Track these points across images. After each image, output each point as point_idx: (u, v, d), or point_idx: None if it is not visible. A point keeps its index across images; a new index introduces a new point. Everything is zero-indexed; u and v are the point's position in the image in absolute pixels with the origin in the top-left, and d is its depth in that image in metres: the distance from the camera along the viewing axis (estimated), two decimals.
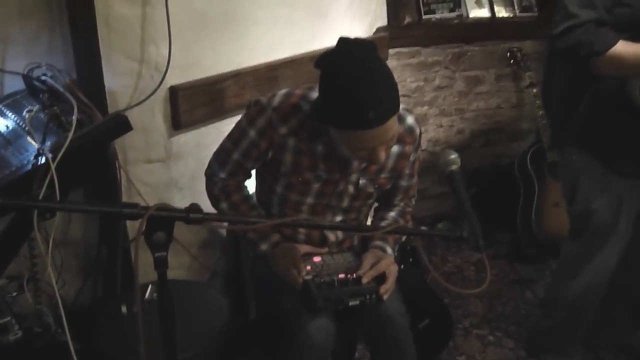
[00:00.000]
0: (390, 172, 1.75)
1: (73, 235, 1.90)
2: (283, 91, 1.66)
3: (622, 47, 1.68)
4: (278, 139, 1.62)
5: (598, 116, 1.87)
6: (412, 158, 1.77)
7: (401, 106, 1.54)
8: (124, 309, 1.68)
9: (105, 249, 1.91)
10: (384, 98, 1.40)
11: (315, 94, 1.58)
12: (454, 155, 1.37)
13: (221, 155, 1.73)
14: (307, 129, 1.61)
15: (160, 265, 1.04)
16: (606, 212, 1.96)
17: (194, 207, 1.04)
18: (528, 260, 3.10)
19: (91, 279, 1.95)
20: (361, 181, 1.71)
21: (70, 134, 1.45)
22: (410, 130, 1.72)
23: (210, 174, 1.77)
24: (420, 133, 1.76)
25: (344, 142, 1.51)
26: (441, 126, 3.34)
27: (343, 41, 1.47)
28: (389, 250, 1.75)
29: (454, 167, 1.36)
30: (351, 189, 1.72)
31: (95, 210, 1.02)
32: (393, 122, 1.45)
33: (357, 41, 1.49)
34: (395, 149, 1.68)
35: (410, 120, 1.72)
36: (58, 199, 1.38)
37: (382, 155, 1.50)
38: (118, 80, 1.78)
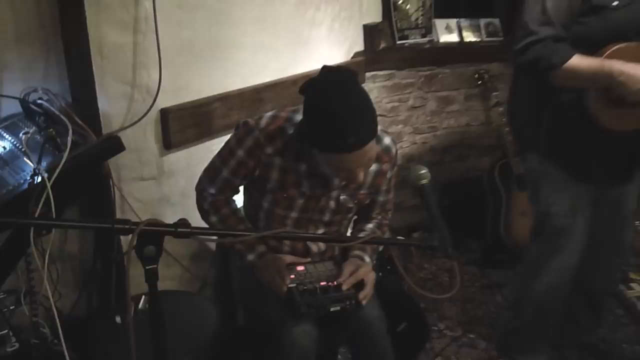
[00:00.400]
0: (369, 189, 1.75)
1: (69, 249, 1.87)
2: (270, 113, 1.66)
3: (577, 61, 1.71)
4: (265, 158, 1.62)
5: (558, 126, 1.89)
6: (389, 175, 1.78)
7: (379, 128, 1.55)
8: (118, 319, 1.66)
9: (100, 262, 1.89)
10: (362, 125, 1.42)
11: (299, 117, 1.58)
12: (424, 170, 1.38)
13: (211, 172, 1.73)
14: (291, 149, 1.61)
15: (151, 277, 1.03)
16: (563, 214, 1.98)
17: (182, 222, 1.03)
18: (497, 265, 3.10)
19: (87, 291, 1.92)
20: (342, 197, 1.72)
21: (65, 154, 1.43)
22: (387, 149, 1.73)
23: (200, 189, 1.77)
24: (396, 152, 1.77)
25: (326, 163, 1.52)
26: (415, 143, 3.36)
27: (326, 69, 1.49)
28: (367, 259, 1.75)
29: (425, 181, 1.37)
30: (332, 204, 1.72)
31: (88, 227, 1.01)
32: (371, 146, 1.47)
33: (339, 70, 1.50)
34: (373, 167, 1.69)
35: (387, 140, 1.73)
36: (54, 216, 1.36)
37: (361, 176, 1.51)
38: (111, 103, 1.77)
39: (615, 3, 1.69)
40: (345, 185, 1.69)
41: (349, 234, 1.94)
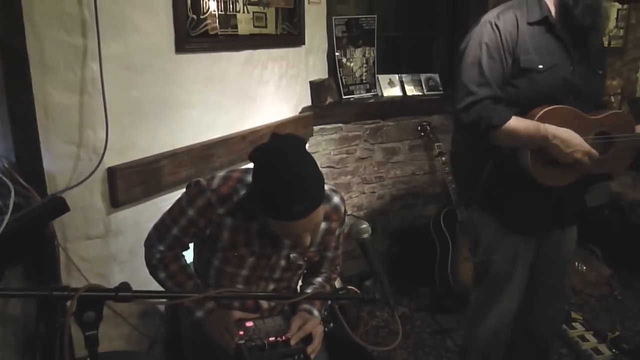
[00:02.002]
0: (318, 246, 1.77)
1: (11, 312, 1.78)
2: (222, 174, 1.66)
3: (515, 123, 1.80)
4: (216, 218, 1.61)
5: (495, 180, 1.97)
6: (337, 232, 1.80)
7: (327, 186, 1.57)
8: None
9: (43, 325, 1.81)
10: (308, 194, 1.43)
11: (250, 177, 1.59)
12: (364, 225, 1.41)
13: (160, 230, 1.71)
14: (243, 209, 1.61)
15: (91, 344, 1.00)
16: (503, 263, 2.03)
17: (123, 286, 1.01)
18: (447, 311, 3.14)
19: (29, 356, 1.83)
20: (292, 255, 1.72)
21: (7, 217, 1.39)
22: (335, 208, 1.75)
23: (149, 245, 1.74)
24: (345, 210, 1.79)
25: (273, 227, 1.53)
26: (364, 193, 3.41)
27: (275, 137, 1.51)
28: (316, 312, 1.75)
29: (365, 235, 1.39)
30: (283, 262, 1.72)
31: (25, 295, 0.97)
32: (317, 212, 1.48)
33: (287, 138, 1.52)
34: (323, 225, 1.71)
35: (336, 199, 1.75)
36: None
37: (307, 240, 1.53)
38: (57, 163, 1.74)
39: (540, 67, 1.82)
40: (295, 244, 1.70)
41: (298, 287, 1.94)
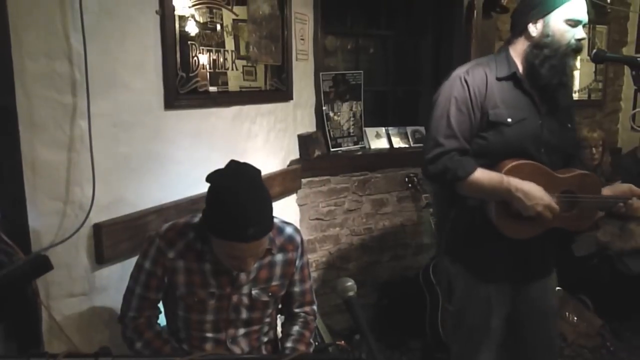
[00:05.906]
0: (280, 280, 1.76)
1: None
2: (170, 222, 1.73)
3: (480, 175, 1.84)
4: (169, 264, 1.66)
5: (461, 231, 1.98)
6: (298, 264, 1.79)
7: (279, 219, 1.65)
8: None
9: None
10: (262, 217, 1.50)
11: (197, 219, 1.66)
12: (350, 283, 1.40)
13: (127, 296, 1.74)
14: (193, 250, 1.65)
15: None
16: (477, 313, 2.01)
17: (103, 351, 0.99)
18: None
19: None
20: (254, 291, 1.72)
21: None
22: (290, 238, 1.76)
23: (121, 317, 1.75)
24: (302, 240, 1.81)
25: (221, 250, 1.55)
26: (353, 244, 3.40)
27: (233, 163, 1.58)
28: None
29: (351, 293, 1.38)
30: (245, 300, 1.72)
31: None
32: (267, 238, 1.55)
33: (244, 165, 1.58)
34: (279, 257, 1.73)
35: (289, 230, 1.77)
36: None
37: (251, 265, 1.58)
38: (42, 220, 1.72)
39: (509, 120, 1.87)
40: (254, 279, 1.70)
41: (278, 330, 1.91)
